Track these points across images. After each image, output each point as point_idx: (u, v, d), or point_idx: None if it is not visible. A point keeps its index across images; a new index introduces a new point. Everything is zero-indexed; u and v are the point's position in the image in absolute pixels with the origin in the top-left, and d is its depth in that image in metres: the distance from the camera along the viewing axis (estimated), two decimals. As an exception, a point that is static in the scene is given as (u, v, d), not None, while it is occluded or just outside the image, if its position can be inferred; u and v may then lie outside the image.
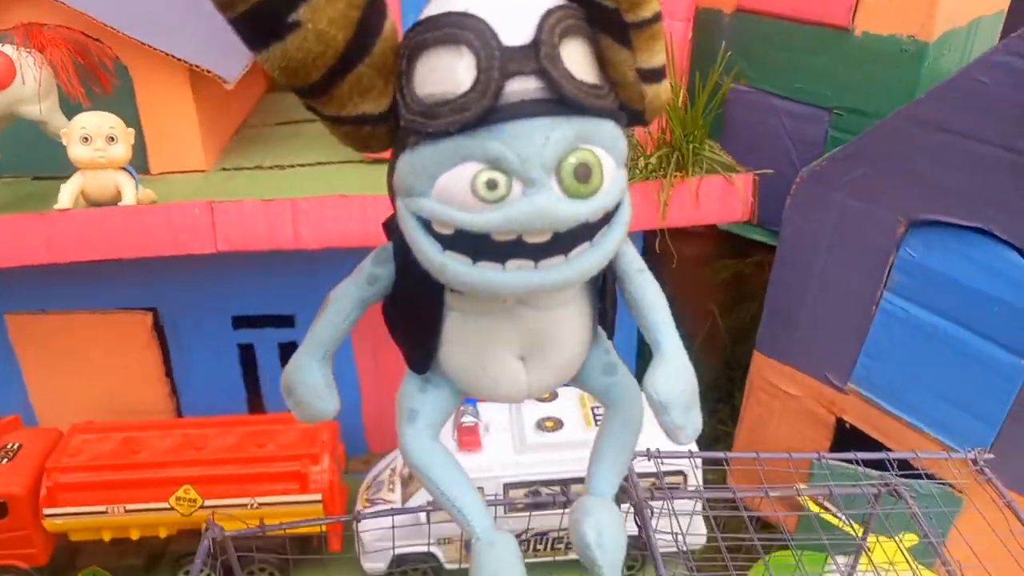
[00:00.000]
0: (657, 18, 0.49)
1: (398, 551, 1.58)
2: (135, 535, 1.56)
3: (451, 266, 0.52)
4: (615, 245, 0.55)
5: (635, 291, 0.62)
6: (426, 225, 0.52)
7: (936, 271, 1.40)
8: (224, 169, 1.75)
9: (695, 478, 1.52)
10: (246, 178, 1.69)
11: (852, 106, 1.62)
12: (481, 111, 0.47)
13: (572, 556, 1.64)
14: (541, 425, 1.58)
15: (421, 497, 1.56)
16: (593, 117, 0.50)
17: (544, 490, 1.56)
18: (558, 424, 1.58)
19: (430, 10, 0.50)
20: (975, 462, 1.00)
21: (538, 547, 1.61)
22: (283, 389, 0.69)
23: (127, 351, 1.73)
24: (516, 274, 0.51)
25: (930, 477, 1.52)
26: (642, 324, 0.62)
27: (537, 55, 0.47)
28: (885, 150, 1.40)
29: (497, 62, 0.47)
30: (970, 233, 1.34)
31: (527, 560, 1.70)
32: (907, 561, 1.13)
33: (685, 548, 1.06)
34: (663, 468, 1.09)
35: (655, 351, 0.60)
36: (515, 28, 0.48)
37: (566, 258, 0.52)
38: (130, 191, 1.44)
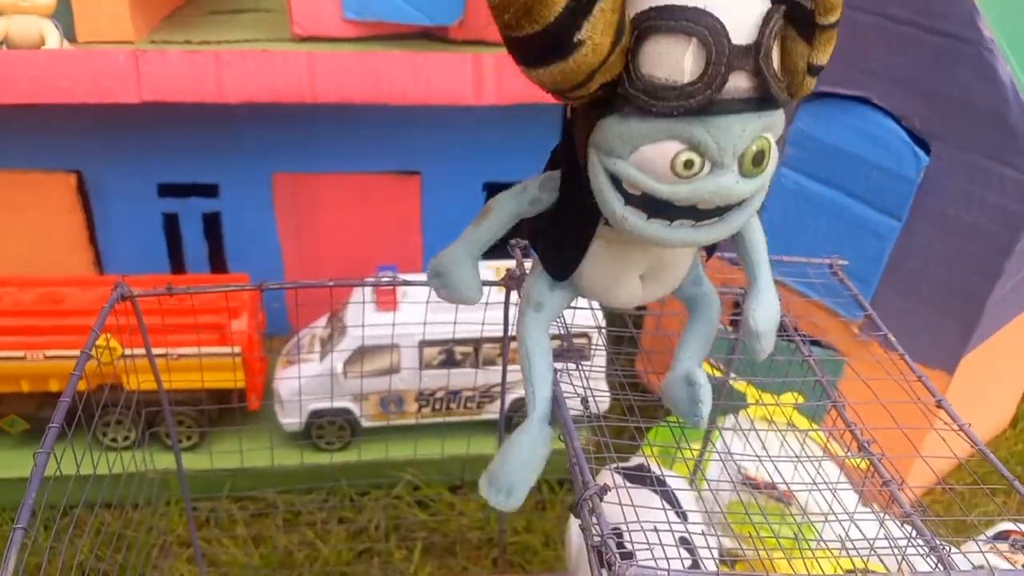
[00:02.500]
0: (839, 23, 0.56)
1: (315, 406, 1.66)
2: (54, 386, 1.59)
3: (630, 220, 0.59)
4: (757, 205, 0.63)
5: (745, 233, 0.70)
6: (614, 181, 0.59)
7: (822, 141, 1.51)
8: (152, 42, 1.77)
9: (600, 340, 1.61)
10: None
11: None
12: (704, 101, 0.53)
13: (486, 416, 1.74)
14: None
15: (340, 356, 1.63)
16: (777, 109, 0.57)
17: (458, 349, 1.64)
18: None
19: None
20: (831, 267, 1.10)
21: (451, 405, 1.70)
22: (431, 272, 0.77)
23: (51, 213, 1.75)
24: (679, 231, 0.60)
25: (815, 343, 1.65)
26: (743, 258, 0.71)
27: (757, 55, 0.54)
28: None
29: (727, 58, 0.53)
30: (851, 103, 1.45)
31: (444, 419, 1.78)
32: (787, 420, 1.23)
33: (594, 409, 1.14)
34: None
35: (752, 285, 0.70)
36: (743, 28, 0.53)
37: (720, 219, 0.60)
38: (54, 38, 1.46)
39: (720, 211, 0.59)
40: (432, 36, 1.65)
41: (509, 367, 1.43)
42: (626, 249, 0.69)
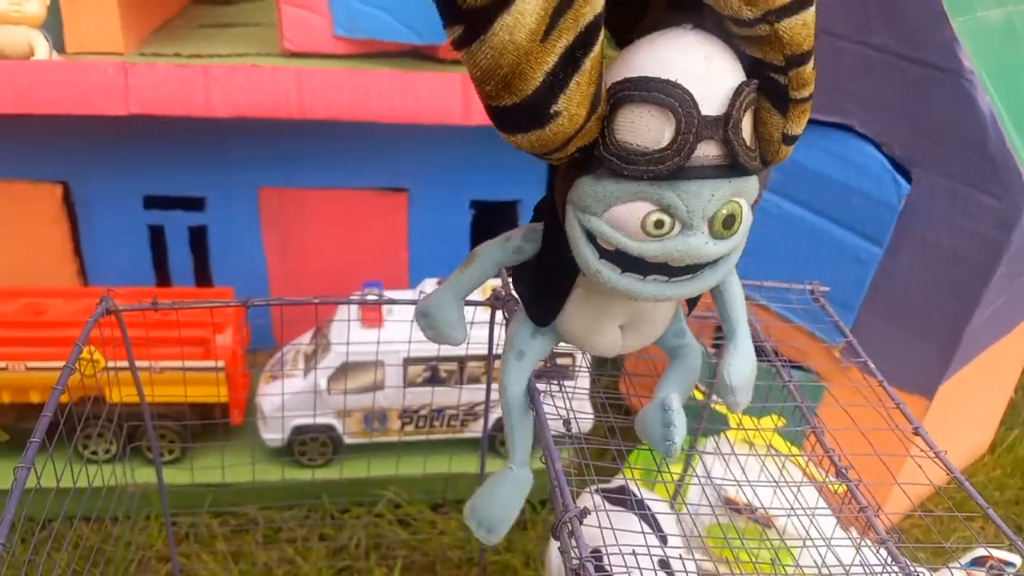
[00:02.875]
0: (812, 96, 0.58)
1: (297, 422, 1.65)
2: (35, 397, 1.58)
3: (604, 273, 0.62)
4: (731, 265, 0.65)
5: (724, 289, 0.71)
6: (589, 236, 0.62)
7: (805, 166, 1.53)
8: (142, 54, 1.77)
9: (584, 362, 1.61)
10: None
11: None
12: (673, 168, 0.56)
13: (468, 434, 1.74)
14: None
15: (324, 372, 1.63)
16: (748, 175, 0.59)
17: (443, 367, 1.64)
18: (457, 306, 1.66)
19: (634, 67, 0.57)
20: (812, 293, 1.11)
21: (435, 423, 1.70)
22: (418, 313, 0.79)
23: (35, 223, 1.74)
24: (652, 285, 0.62)
25: (796, 367, 1.66)
26: (721, 314, 0.72)
27: (726, 125, 0.56)
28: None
29: (694, 128, 0.55)
30: (833, 129, 1.47)
31: (426, 437, 1.77)
32: (767, 442, 1.24)
33: (576, 430, 1.15)
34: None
35: (730, 340, 0.72)
36: (712, 100, 0.56)
37: (693, 276, 0.62)
38: (43, 49, 1.46)
39: (692, 268, 0.61)
40: (422, 55, 1.66)
41: (493, 385, 1.44)
42: (605, 300, 0.71)
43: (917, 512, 0.79)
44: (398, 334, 1.60)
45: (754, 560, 0.88)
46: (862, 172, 1.45)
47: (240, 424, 1.70)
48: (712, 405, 1.44)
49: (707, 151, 0.57)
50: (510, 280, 0.81)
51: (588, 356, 1.67)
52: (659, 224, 0.58)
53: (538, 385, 0.87)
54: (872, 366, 0.96)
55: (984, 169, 1.30)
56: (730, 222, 0.59)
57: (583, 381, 1.65)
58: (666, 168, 0.56)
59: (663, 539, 1.05)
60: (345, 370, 1.61)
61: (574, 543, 0.59)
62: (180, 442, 1.66)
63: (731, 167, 0.58)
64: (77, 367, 0.98)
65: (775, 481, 0.90)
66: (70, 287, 1.78)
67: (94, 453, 1.63)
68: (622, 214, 0.59)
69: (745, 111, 0.57)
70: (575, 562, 0.57)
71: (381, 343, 1.58)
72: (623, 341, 0.74)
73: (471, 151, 1.80)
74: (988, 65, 1.31)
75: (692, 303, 0.75)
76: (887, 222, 1.44)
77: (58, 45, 1.68)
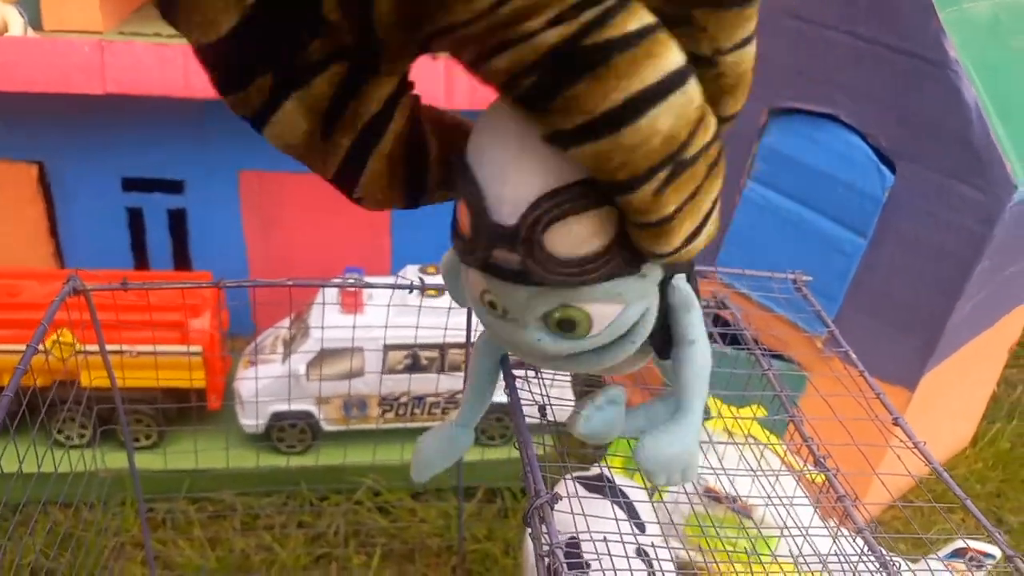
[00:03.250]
0: (668, 220, 0.45)
1: (275, 408, 1.63)
2: (7, 380, 1.55)
3: (482, 316, 0.56)
4: (623, 355, 0.56)
5: (678, 360, 0.60)
6: None
7: (790, 157, 1.52)
8: (121, 33, 1.75)
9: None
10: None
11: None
12: (477, 264, 0.49)
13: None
14: (424, 292, 1.64)
15: (302, 358, 1.61)
16: (580, 287, 0.49)
17: (424, 354, 1.63)
18: (441, 291, 1.64)
19: (469, 141, 0.50)
20: (794, 282, 1.11)
21: (415, 411, 1.68)
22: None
23: (10, 204, 1.71)
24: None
25: (777, 357, 1.65)
26: (673, 388, 0.63)
27: (515, 240, 0.47)
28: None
29: (485, 233, 0.48)
30: (820, 119, 1.47)
31: (406, 424, 1.76)
32: (747, 431, 1.24)
33: (552, 418, 1.13)
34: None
35: (672, 417, 0.61)
36: (503, 210, 0.47)
37: (566, 360, 0.55)
38: (18, 25, 1.43)
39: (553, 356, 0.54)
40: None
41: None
42: None
43: (897, 503, 0.78)
44: (377, 320, 1.58)
45: (731, 549, 0.87)
46: (847, 162, 1.44)
47: (218, 409, 1.68)
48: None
49: (507, 256, 0.48)
50: None
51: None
52: (492, 305, 0.52)
53: (515, 371, 0.85)
54: (853, 356, 0.95)
55: (968, 161, 1.30)
56: (568, 327, 0.50)
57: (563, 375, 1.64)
58: (474, 260, 0.50)
59: (640, 527, 1.04)
60: (323, 356, 1.59)
61: (544, 530, 0.58)
62: (156, 427, 1.64)
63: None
64: (43, 347, 0.96)
65: (752, 470, 0.90)
66: (45, 269, 1.76)
67: (68, 437, 1.61)
68: (471, 279, 0.53)
69: (548, 226, 0.46)
70: (545, 548, 0.56)
71: (360, 329, 1.56)
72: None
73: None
74: (974, 58, 1.30)
75: (663, 351, 0.63)
76: (871, 213, 1.43)
77: (35, 22, 1.65)
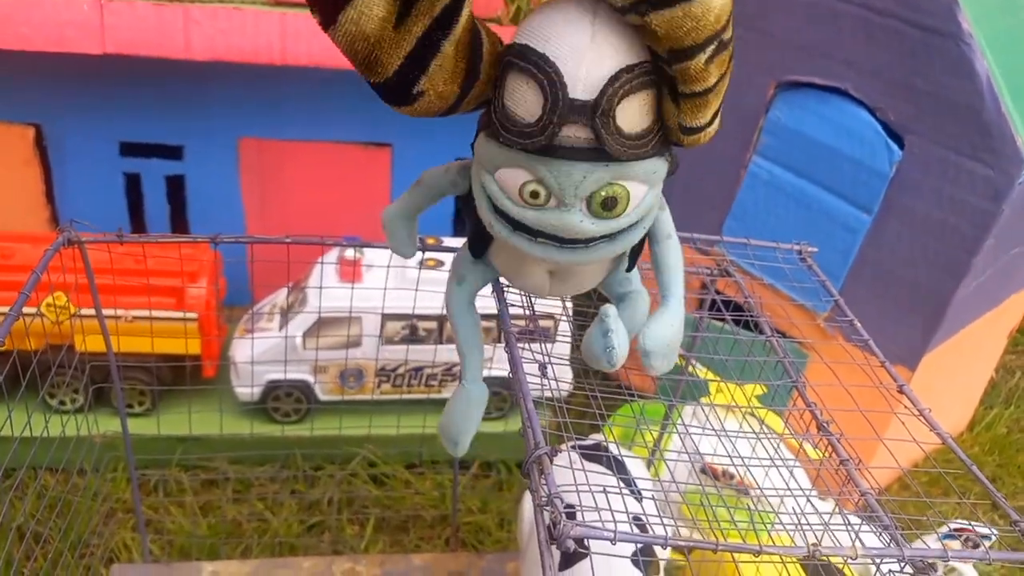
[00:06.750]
0: (708, 91, 0.54)
1: (271, 377, 1.62)
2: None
3: (496, 226, 0.62)
4: (633, 241, 0.64)
5: (659, 254, 0.69)
6: (485, 191, 0.62)
7: (797, 131, 1.50)
8: (121, -3, 1.72)
9: (566, 325, 1.59)
10: (143, 4, 1.67)
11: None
12: (539, 146, 0.55)
13: (445, 395, 1.71)
14: (423, 263, 1.62)
15: (299, 326, 1.59)
16: (634, 161, 0.57)
17: (422, 325, 1.61)
18: (439, 263, 1.63)
19: (524, 34, 0.56)
20: (799, 253, 1.09)
21: (412, 382, 1.67)
22: (383, 220, 0.82)
23: (6, 167, 1.69)
24: (543, 247, 0.61)
25: (782, 335, 1.64)
26: (657, 279, 0.71)
27: (594, 113, 0.53)
28: (761, 11, 1.49)
29: (559, 110, 0.53)
30: (828, 94, 1.45)
31: (402, 396, 1.75)
32: (748, 409, 1.22)
33: (555, 390, 1.12)
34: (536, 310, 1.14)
35: (661, 305, 0.69)
36: (583, 84, 0.53)
37: (586, 247, 0.61)
38: (16, -18, 1.41)
39: (583, 241, 0.60)
40: (409, 5, 1.62)
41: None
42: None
43: (902, 469, 0.77)
44: (375, 289, 1.57)
45: (732, 519, 0.86)
46: (855, 137, 1.42)
47: (213, 376, 1.66)
48: (691, 368, 1.42)
49: (576, 133, 0.54)
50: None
51: (571, 322, 1.65)
52: (535, 195, 0.58)
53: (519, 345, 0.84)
54: (858, 325, 0.93)
55: (978, 136, 1.28)
56: (610, 204, 0.58)
57: (563, 348, 1.63)
58: (533, 144, 0.55)
59: (638, 497, 1.02)
60: (320, 324, 1.58)
61: (543, 481, 0.57)
62: (151, 393, 1.62)
63: (605, 152, 0.55)
64: (42, 310, 0.95)
65: (751, 448, 0.88)
66: (39, 232, 1.73)
67: (62, 402, 1.59)
68: (506, 177, 0.59)
69: (622, 99, 0.54)
70: (543, 498, 0.54)
71: (358, 298, 1.54)
72: (551, 287, 0.73)
73: (458, 108, 1.76)
74: (987, 31, 1.28)
75: (632, 257, 0.73)
76: (877, 189, 1.42)
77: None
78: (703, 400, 1.37)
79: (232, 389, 1.64)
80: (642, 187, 0.59)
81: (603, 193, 0.57)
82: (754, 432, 0.92)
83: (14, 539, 1.36)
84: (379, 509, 1.59)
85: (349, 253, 1.62)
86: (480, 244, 0.74)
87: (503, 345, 0.79)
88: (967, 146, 1.29)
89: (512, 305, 0.86)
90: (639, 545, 0.89)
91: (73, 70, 1.58)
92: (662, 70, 0.54)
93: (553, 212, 0.58)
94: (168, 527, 1.51)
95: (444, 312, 1.56)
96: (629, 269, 0.75)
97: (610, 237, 0.61)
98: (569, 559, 0.91)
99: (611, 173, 0.56)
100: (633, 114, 0.55)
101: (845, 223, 1.47)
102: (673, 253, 0.70)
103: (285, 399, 1.64)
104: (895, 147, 1.37)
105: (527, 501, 1.11)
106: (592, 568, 0.55)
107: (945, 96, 1.29)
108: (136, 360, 1.58)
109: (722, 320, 1.05)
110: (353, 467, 1.64)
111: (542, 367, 0.78)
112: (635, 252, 0.72)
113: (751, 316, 1.01)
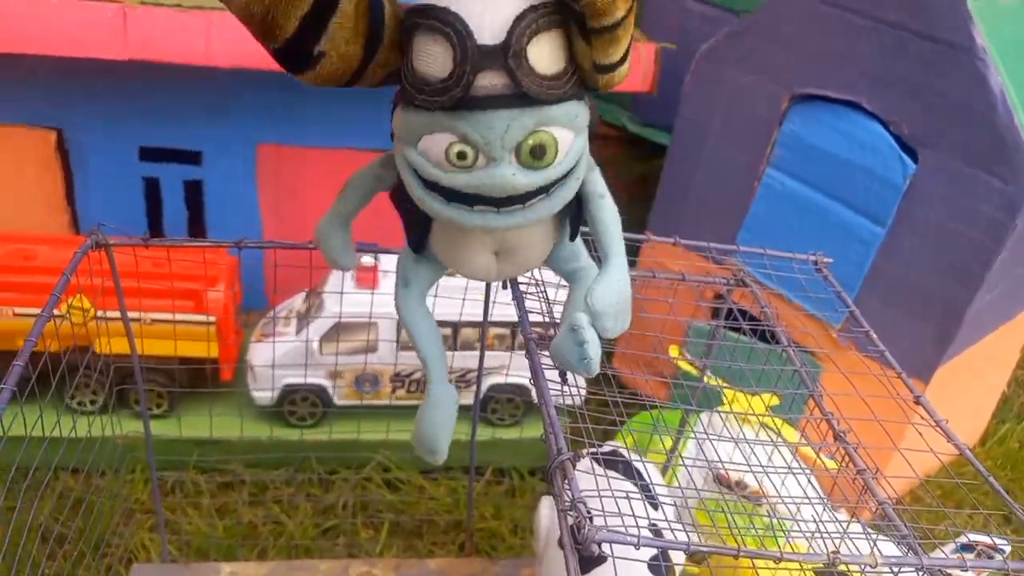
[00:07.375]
0: (617, 25, 0.55)
1: (288, 381, 1.64)
2: (21, 343, 1.56)
3: (428, 202, 0.62)
4: (569, 194, 0.64)
5: (594, 213, 0.69)
6: (412, 167, 0.62)
7: (811, 144, 1.51)
8: (143, 3, 1.74)
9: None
10: (164, 11, 1.70)
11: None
12: (455, 99, 0.55)
13: (461, 401, 1.71)
14: (438, 269, 1.64)
15: (316, 331, 1.61)
16: (554, 104, 0.57)
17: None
18: (454, 272, 1.64)
19: None
20: (815, 264, 1.10)
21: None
22: (315, 235, 0.81)
23: (27, 170, 1.71)
24: (481, 215, 0.61)
25: (797, 346, 1.64)
26: (596, 241, 0.71)
27: (505, 55, 0.54)
28: (775, 24, 1.50)
29: (470, 58, 0.54)
30: (842, 106, 1.46)
31: (418, 401, 1.78)
32: (764, 417, 1.23)
33: (575, 396, 1.13)
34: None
35: (602, 267, 0.69)
36: (488, 29, 0.54)
37: (523, 206, 0.61)
38: (42, -11, 1.43)
39: (517, 200, 0.60)
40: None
41: (488, 352, 1.42)
42: (464, 228, 0.69)
43: (918, 478, 0.78)
44: (392, 295, 1.58)
45: (750, 527, 0.87)
46: (868, 150, 1.43)
47: (230, 380, 1.68)
48: (706, 379, 1.42)
49: (492, 80, 0.55)
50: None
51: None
52: (462, 155, 0.58)
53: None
54: (874, 335, 0.94)
55: (992, 149, 1.29)
56: (539, 152, 0.58)
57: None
58: (449, 99, 0.55)
59: (654, 506, 1.04)
60: (338, 330, 1.59)
61: (567, 486, 0.58)
62: (169, 395, 1.64)
63: (522, 96, 0.56)
64: (64, 312, 0.96)
65: (766, 442, 0.89)
66: (61, 235, 1.76)
67: (80, 403, 1.61)
68: (428, 145, 0.59)
69: (531, 39, 0.55)
70: (567, 503, 0.55)
71: (374, 304, 1.56)
72: (499, 268, 0.73)
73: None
74: (1000, 45, 1.29)
75: (574, 227, 0.73)
76: (891, 202, 1.43)
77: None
78: (719, 409, 1.38)
79: (249, 392, 1.66)
80: (568, 133, 0.59)
81: (530, 142, 0.57)
82: (769, 440, 0.93)
83: (36, 540, 1.38)
84: (393, 514, 1.61)
85: (366, 259, 1.63)
86: (417, 233, 0.73)
87: (522, 352, 0.80)
88: (981, 159, 1.30)
89: (531, 312, 0.88)
90: (657, 551, 0.90)
91: (95, 75, 1.61)
92: (569, 7, 0.54)
93: (484, 171, 0.58)
94: (185, 528, 1.52)
95: (460, 320, 1.58)
96: (572, 238, 0.74)
97: (546, 191, 0.61)
98: (586, 565, 0.92)
99: (533, 119, 0.57)
100: (545, 54, 0.56)
101: (858, 235, 1.48)
102: (608, 211, 0.70)
103: (301, 403, 1.66)
104: (909, 160, 1.38)
105: (543, 507, 1.12)
106: (615, 572, 0.56)
107: (958, 110, 1.30)
108: (155, 362, 1.60)
109: (738, 330, 1.06)
110: (368, 472, 1.66)
111: (563, 374, 0.79)
112: (575, 220, 0.71)
113: (767, 326, 1.02)
